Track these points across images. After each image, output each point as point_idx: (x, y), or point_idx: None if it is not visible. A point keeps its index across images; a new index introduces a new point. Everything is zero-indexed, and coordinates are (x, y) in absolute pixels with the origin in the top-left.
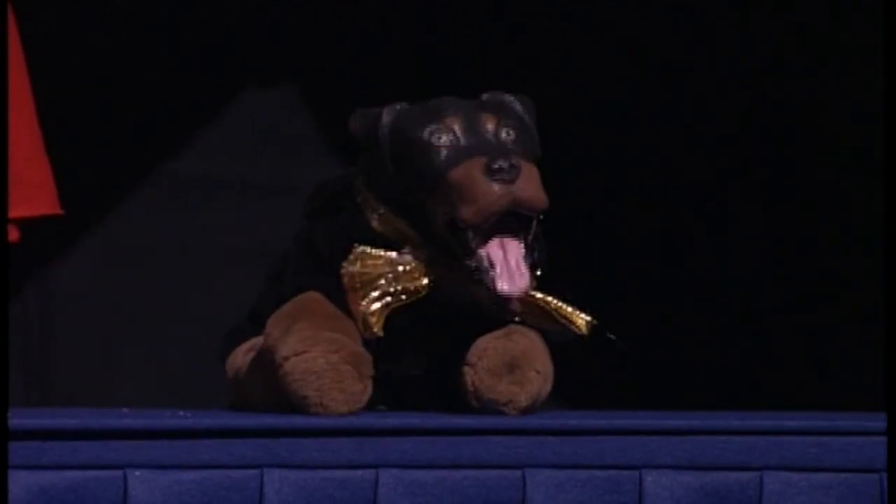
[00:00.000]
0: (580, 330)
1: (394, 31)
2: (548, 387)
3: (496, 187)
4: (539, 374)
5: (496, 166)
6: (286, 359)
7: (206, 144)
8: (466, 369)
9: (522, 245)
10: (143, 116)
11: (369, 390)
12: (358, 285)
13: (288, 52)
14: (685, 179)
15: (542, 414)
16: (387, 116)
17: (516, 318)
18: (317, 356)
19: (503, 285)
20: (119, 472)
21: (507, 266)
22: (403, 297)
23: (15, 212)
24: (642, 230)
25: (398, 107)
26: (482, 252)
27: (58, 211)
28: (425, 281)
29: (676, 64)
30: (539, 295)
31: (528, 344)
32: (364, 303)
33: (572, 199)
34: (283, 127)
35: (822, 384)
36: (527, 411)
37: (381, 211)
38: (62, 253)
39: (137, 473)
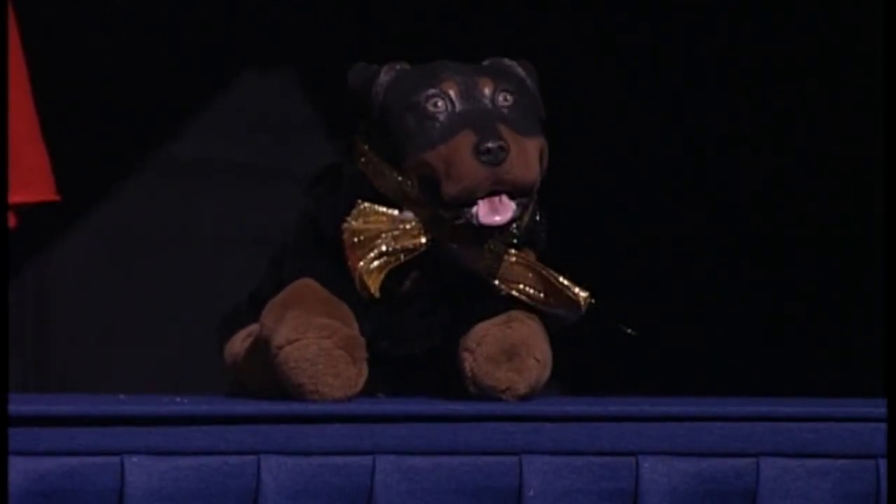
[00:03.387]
0: (578, 306)
1: (391, 16)
2: (546, 374)
3: (482, 170)
4: (538, 362)
5: (485, 148)
6: (280, 348)
7: (203, 130)
8: (465, 355)
9: (513, 203)
10: (140, 102)
11: (364, 374)
12: (356, 242)
13: (285, 36)
14: (686, 171)
15: (539, 400)
16: (384, 76)
17: (514, 292)
18: (309, 343)
19: (486, 216)
20: (116, 459)
21: (491, 202)
22: (402, 256)
23: (12, 198)
24: (644, 219)
25: (398, 66)
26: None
27: (55, 197)
28: (424, 239)
29: (677, 63)
30: (539, 264)
31: (527, 331)
32: (362, 263)
33: (572, 185)
34: (282, 112)
35: (820, 370)
36: (525, 399)
37: (382, 171)
38: (59, 239)
39: (135, 459)
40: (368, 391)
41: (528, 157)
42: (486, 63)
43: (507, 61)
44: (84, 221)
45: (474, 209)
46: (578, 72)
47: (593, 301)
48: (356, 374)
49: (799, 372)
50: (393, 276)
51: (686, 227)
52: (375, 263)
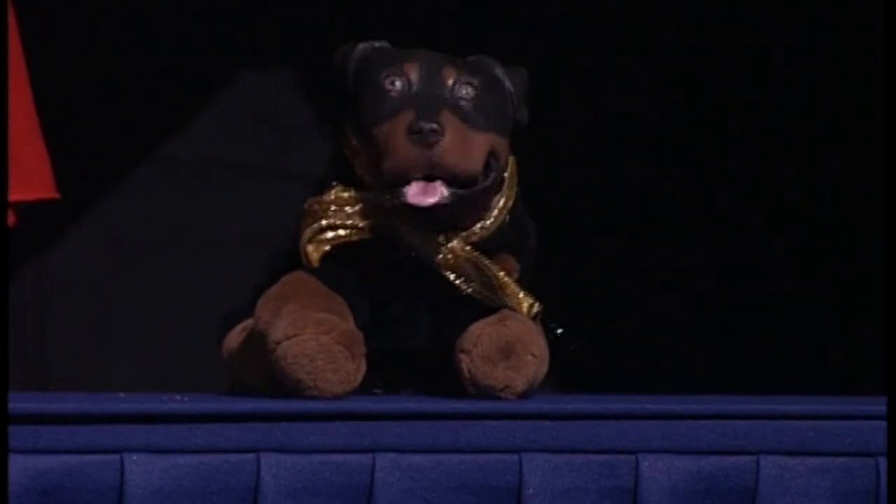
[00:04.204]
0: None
1: (391, 13)
2: (544, 370)
3: (413, 149)
4: (535, 357)
5: (417, 128)
6: (278, 343)
7: (203, 128)
8: (462, 356)
9: (447, 189)
10: (140, 101)
11: (363, 369)
12: (309, 214)
13: (285, 36)
14: (684, 168)
15: (539, 398)
16: (357, 52)
17: (468, 288)
18: (308, 338)
19: (414, 196)
20: (116, 457)
21: (424, 185)
22: (346, 231)
23: (12, 196)
24: (643, 217)
25: (376, 44)
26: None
27: (54, 195)
28: (373, 220)
29: (675, 59)
30: (489, 265)
31: (522, 328)
32: (306, 232)
33: (572, 184)
34: (281, 110)
35: (820, 368)
36: (523, 396)
37: (359, 150)
38: (58, 237)
39: (134, 457)
40: (363, 387)
41: (468, 146)
42: (470, 58)
43: (488, 59)
44: (84, 220)
45: (406, 188)
46: (577, 70)
47: (539, 309)
48: (355, 370)
49: (799, 370)
50: (357, 256)
51: (686, 224)
52: (316, 234)
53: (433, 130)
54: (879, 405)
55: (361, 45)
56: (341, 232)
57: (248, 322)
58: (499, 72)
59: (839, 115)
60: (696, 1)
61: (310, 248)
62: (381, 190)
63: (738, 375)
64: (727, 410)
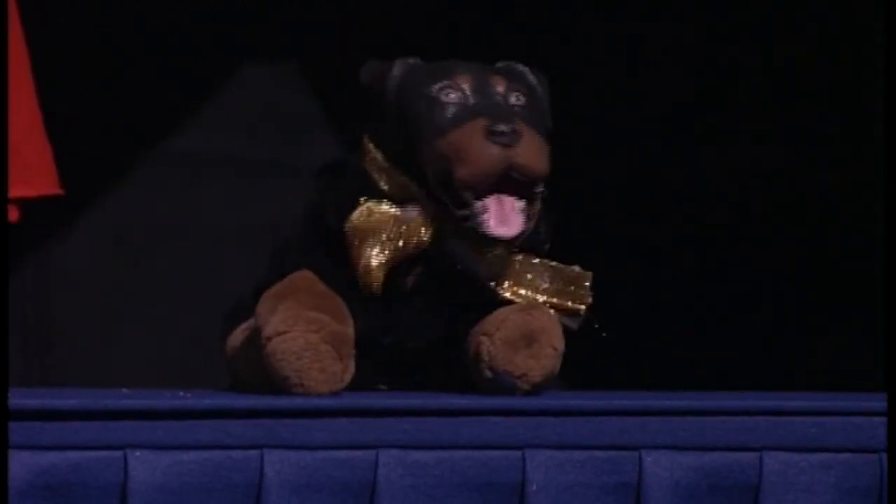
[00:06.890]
0: (583, 303)
1: (397, 8)
2: (559, 365)
3: (494, 150)
4: (555, 351)
5: (497, 129)
6: (269, 339)
7: (206, 124)
8: (482, 339)
9: (521, 203)
10: (144, 96)
11: (351, 370)
12: (359, 238)
13: (290, 31)
14: (685, 168)
15: (543, 394)
16: (397, 69)
17: (510, 294)
18: (297, 336)
19: (495, 227)
20: (119, 453)
21: (501, 210)
22: (404, 253)
23: (14, 192)
24: (646, 215)
25: (410, 61)
26: (477, 203)
27: (57, 191)
28: (426, 237)
29: (676, 62)
30: (545, 260)
31: (547, 320)
32: (364, 260)
33: (573, 182)
34: (284, 105)
35: (822, 364)
36: (538, 387)
37: (388, 169)
38: (61, 233)
39: (138, 454)
40: (370, 384)
41: (539, 148)
42: (499, 65)
43: (520, 66)
44: (87, 215)
45: (485, 215)
46: (578, 72)
47: (591, 310)
48: (342, 370)
49: (801, 366)
50: (394, 272)
51: (687, 223)
52: (376, 261)
53: (514, 130)
54: (882, 401)
55: (398, 63)
56: (395, 254)
57: (252, 321)
58: (531, 78)
59: (840, 115)
60: (699, 3)
61: (369, 275)
62: (445, 208)
63: (741, 372)
64: (730, 407)
